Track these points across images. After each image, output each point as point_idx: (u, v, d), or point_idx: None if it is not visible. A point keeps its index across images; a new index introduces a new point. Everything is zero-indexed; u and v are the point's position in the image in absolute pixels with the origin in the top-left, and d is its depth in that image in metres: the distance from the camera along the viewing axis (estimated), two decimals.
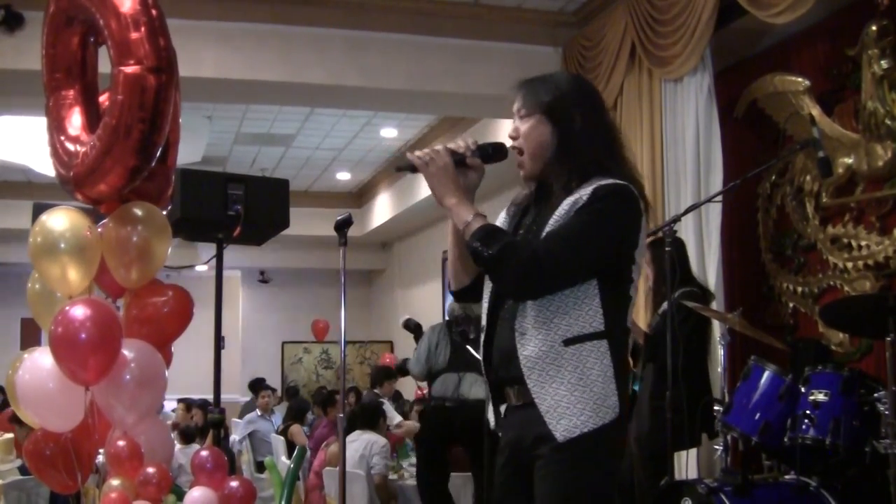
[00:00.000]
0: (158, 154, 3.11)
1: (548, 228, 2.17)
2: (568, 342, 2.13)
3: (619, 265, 2.20)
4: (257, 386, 9.79)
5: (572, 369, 2.12)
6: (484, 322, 2.32)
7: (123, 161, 3.01)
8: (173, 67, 3.07)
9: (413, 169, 2.31)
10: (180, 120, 3.41)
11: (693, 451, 4.43)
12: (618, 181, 2.18)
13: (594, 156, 2.22)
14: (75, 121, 3.27)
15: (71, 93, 3.31)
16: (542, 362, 2.14)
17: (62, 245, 3.13)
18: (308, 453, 6.21)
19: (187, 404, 8.97)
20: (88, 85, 3.37)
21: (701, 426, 4.02)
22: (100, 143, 3.03)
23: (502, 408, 2.32)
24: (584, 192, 2.16)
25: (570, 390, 2.11)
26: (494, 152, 2.32)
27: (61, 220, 3.18)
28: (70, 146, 3.20)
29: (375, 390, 8.49)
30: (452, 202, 2.23)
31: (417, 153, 2.29)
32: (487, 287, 2.34)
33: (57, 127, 3.29)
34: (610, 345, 2.15)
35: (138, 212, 3.20)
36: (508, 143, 2.35)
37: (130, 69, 2.95)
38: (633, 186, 2.20)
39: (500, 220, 2.40)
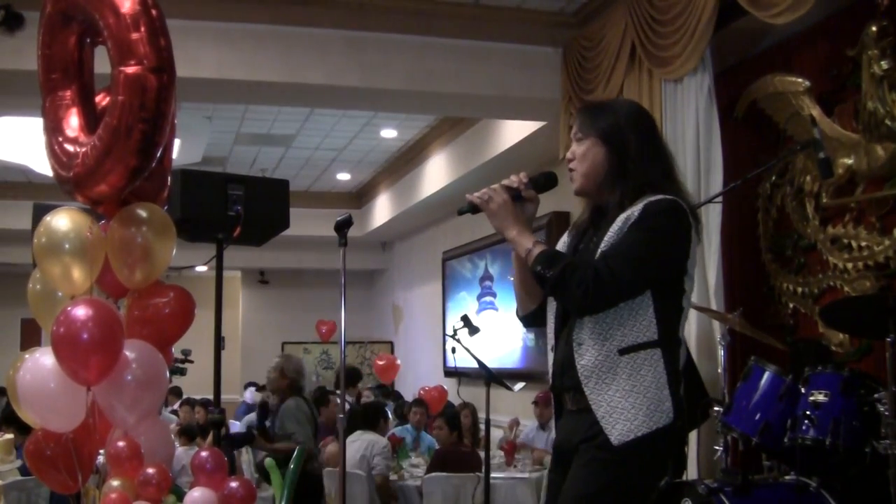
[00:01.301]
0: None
1: (603, 245, 2.28)
2: (623, 351, 2.25)
3: (673, 277, 2.31)
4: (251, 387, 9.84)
5: (627, 377, 2.23)
6: (552, 342, 2.45)
7: (124, 161, 3.01)
8: (173, 68, 3.07)
9: (474, 210, 2.45)
10: (181, 120, 3.41)
11: (693, 451, 4.44)
12: (667, 196, 2.29)
13: (647, 177, 2.33)
14: (73, 121, 3.26)
15: (68, 93, 3.31)
16: (598, 370, 2.25)
17: (66, 245, 3.13)
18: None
19: (191, 405, 8.98)
20: (85, 85, 3.36)
21: (701, 415, 4.07)
22: (100, 144, 3.02)
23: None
24: (636, 209, 2.27)
25: (624, 396, 2.22)
26: (546, 181, 2.46)
27: (66, 220, 3.18)
28: (68, 147, 3.20)
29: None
30: (513, 234, 2.37)
31: (476, 194, 2.43)
32: (551, 311, 2.46)
33: (54, 128, 3.28)
34: (663, 354, 2.26)
35: (143, 213, 3.20)
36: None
37: (131, 69, 2.95)
38: (682, 201, 2.31)
39: (562, 243, 2.52)
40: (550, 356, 2.46)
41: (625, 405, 2.21)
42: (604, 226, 2.35)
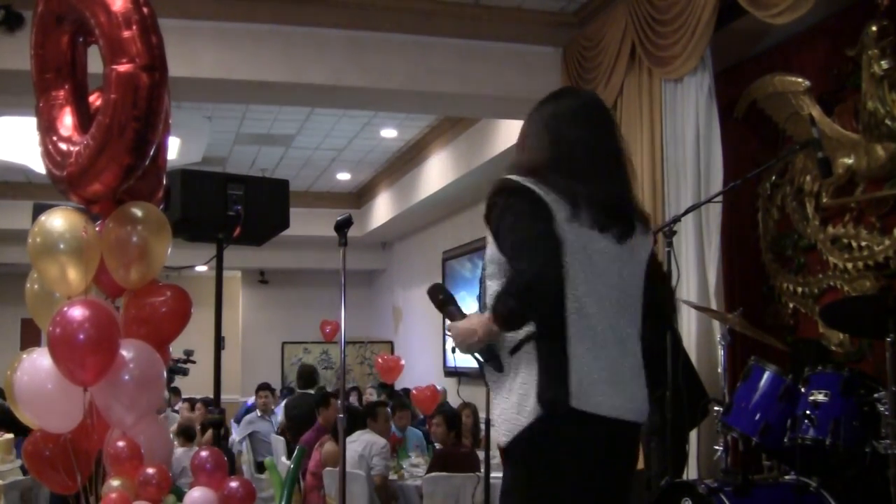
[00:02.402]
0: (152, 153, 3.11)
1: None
2: (512, 351, 2.23)
3: None
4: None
5: (513, 377, 2.21)
6: None
7: (118, 160, 3.00)
8: (165, 66, 3.06)
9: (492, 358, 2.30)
10: (181, 120, 3.41)
11: (693, 451, 4.44)
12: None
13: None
14: (66, 121, 3.26)
15: (61, 93, 3.31)
16: (499, 375, 2.25)
17: (61, 245, 3.13)
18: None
19: (192, 403, 8.98)
20: (79, 85, 3.36)
21: (701, 414, 4.08)
22: (94, 143, 3.02)
23: None
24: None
25: (507, 397, 2.21)
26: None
27: (60, 220, 3.18)
28: (62, 146, 3.20)
29: (309, 390, 8.34)
30: (478, 337, 2.24)
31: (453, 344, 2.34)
32: None
33: (48, 127, 3.28)
34: (539, 346, 2.19)
35: (138, 212, 3.20)
36: None
37: (123, 68, 2.95)
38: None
39: None
40: None
41: (505, 406, 2.21)
42: None
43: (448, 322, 2.37)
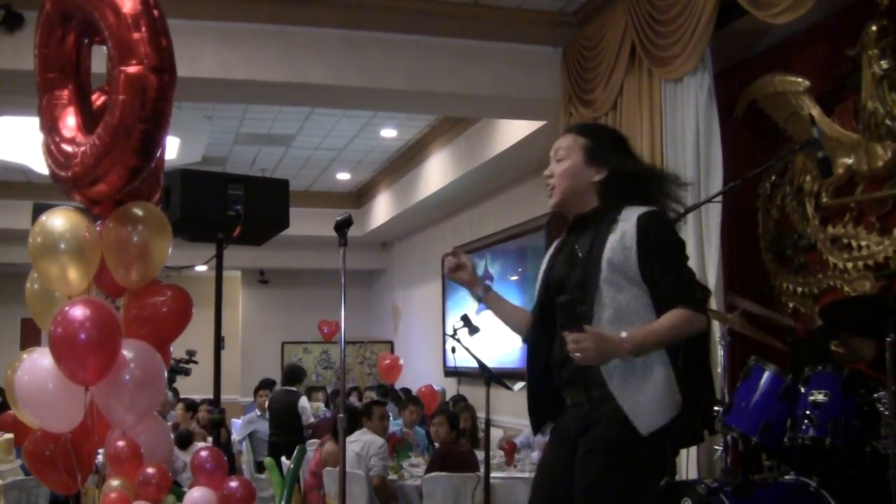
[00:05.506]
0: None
1: (610, 255, 2.50)
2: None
3: None
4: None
5: (642, 375, 2.47)
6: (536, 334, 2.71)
7: (124, 161, 3.00)
8: (174, 69, 3.07)
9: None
10: (181, 120, 3.41)
11: (693, 452, 4.43)
12: (653, 208, 2.58)
13: (625, 192, 2.60)
14: (70, 121, 3.25)
15: (65, 93, 3.30)
16: (619, 370, 2.48)
17: (62, 245, 3.13)
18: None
19: (187, 405, 8.97)
20: (82, 85, 3.36)
21: (702, 423, 4.03)
22: (100, 143, 3.02)
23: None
24: (629, 224, 2.51)
25: (644, 392, 2.47)
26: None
27: (61, 220, 3.18)
28: (66, 147, 3.19)
29: (290, 387, 8.79)
30: (626, 350, 2.48)
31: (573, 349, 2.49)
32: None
33: (51, 127, 3.28)
34: (668, 351, 2.52)
35: (138, 212, 3.20)
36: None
37: (132, 69, 2.95)
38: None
39: (547, 257, 2.81)
40: (530, 348, 2.71)
41: (646, 399, 2.45)
42: (593, 233, 2.60)
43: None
